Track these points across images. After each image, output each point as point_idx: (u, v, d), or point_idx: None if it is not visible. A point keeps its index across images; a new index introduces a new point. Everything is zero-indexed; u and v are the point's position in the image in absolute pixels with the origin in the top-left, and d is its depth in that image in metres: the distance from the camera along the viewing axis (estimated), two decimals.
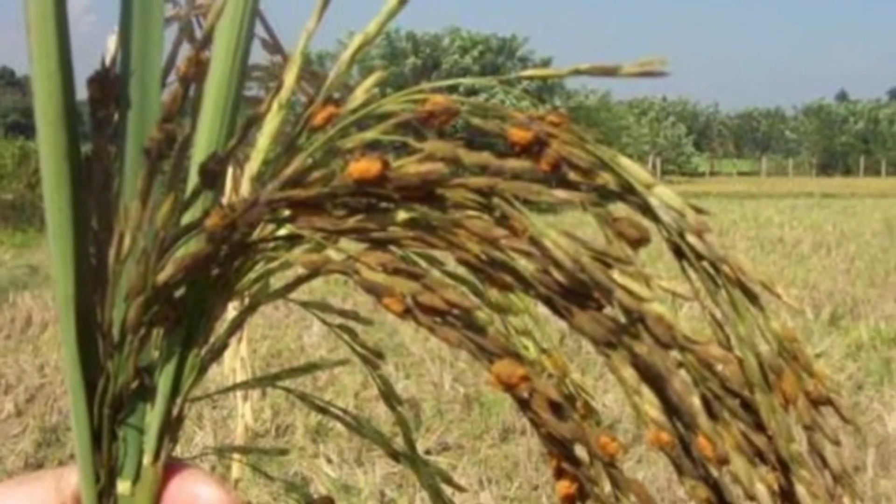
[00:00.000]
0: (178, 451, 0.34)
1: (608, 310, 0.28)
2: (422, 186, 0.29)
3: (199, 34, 0.33)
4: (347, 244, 0.30)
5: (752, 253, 9.42)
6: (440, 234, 0.29)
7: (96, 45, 0.38)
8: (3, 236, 10.15)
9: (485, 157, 0.29)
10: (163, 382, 0.32)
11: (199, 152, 0.32)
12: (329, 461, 3.43)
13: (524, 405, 0.28)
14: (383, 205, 0.30)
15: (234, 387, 0.51)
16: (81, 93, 0.32)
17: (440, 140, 0.29)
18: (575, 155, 0.28)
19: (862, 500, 0.27)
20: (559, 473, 0.30)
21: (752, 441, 0.27)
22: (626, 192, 0.28)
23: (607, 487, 0.29)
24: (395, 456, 0.41)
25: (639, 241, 0.28)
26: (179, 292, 0.32)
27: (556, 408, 0.28)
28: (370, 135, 0.30)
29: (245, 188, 0.32)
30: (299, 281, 0.35)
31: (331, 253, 0.30)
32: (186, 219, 0.31)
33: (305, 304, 0.40)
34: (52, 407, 3.93)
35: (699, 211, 0.28)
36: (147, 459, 0.33)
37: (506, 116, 0.29)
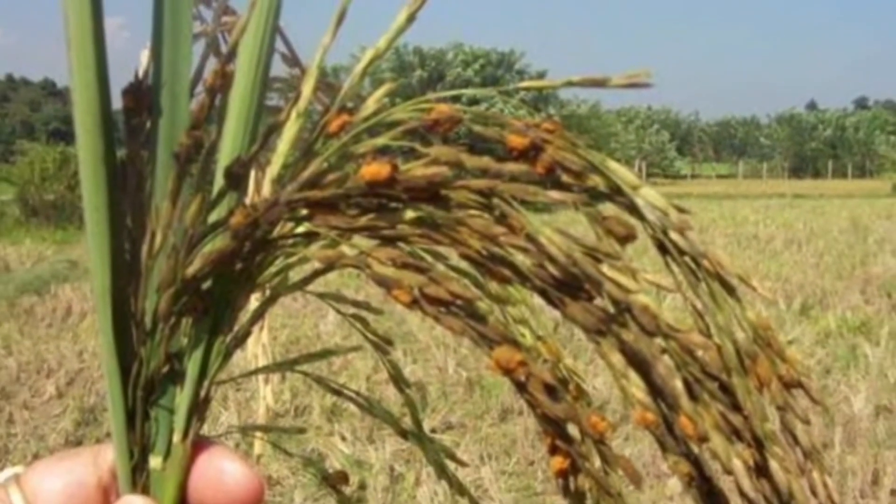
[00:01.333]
0: (206, 429, 0.34)
1: (598, 301, 0.28)
2: (428, 188, 0.29)
3: (224, 49, 0.32)
4: (360, 241, 0.30)
5: (730, 249, 9.41)
6: (444, 232, 0.29)
7: (130, 59, 0.38)
8: (45, 233, 10.16)
9: (485, 161, 0.29)
10: (191, 367, 0.33)
11: (225, 157, 0.32)
12: (343, 439, 3.43)
13: (521, 388, 0.28)
14: (392, 205, 0.30)
15: (256, 371, 0.51)
16: (117, 102, 0.32)
17: (445, 146, 0.29)
18: (568, 159, 0.28)
19: (829, 474, 0.27)
20: (553, 450, 0.30)
21: (730, 420, 0.27)
22: (615, 193, 0.28)
23: (597, 463, 0.29)
24: (403, 434, 0.41)
25: (626, 238, 0.28)
26: (206, 284, 0.32)
27: (550, 390, 0.28)
28: (381, 141, 0.30)
29: (266, 189, 0.32)
30: (316, 274, 0.35)
31: (345, 249, 0.30)
32: (213, 217, 0.31)
33: (321, 296, 0.39)
34: (90, 389, 3.93)
35: (681, 210, 0.28)
36: (177, 437, 0.33)
37: (504, 124, 0.29)
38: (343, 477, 0.40)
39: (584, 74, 0.30)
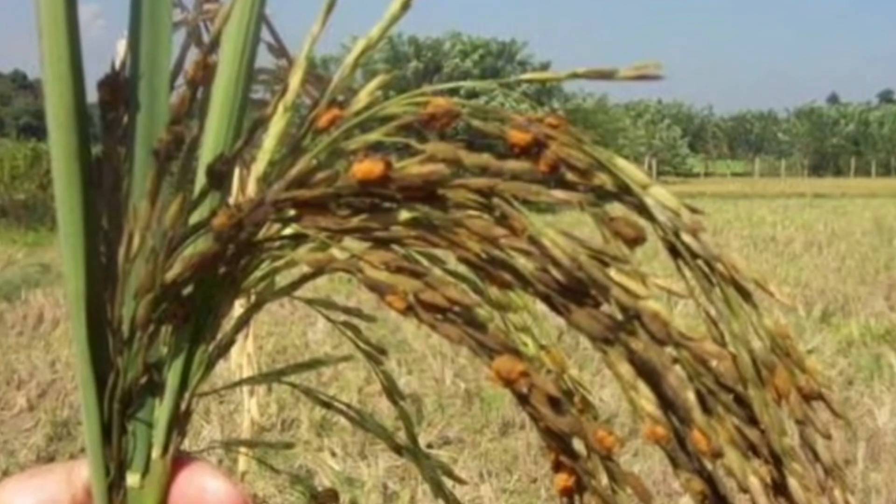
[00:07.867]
0: (186, 444, 0.34)
1: (605, 307, 0.28)
2: (424, 187, 0.29)
3: (206, 39, 0.33)
4: (351, 243, 0.30)
5: (746, 251, 9.42)
6: (441, 234, 0.29)
7: (106, 50, 0.38)
8: (15, 235, 10.16)
9: (485, 158, 0.29)
10: (171, 378, 0.32)
11: (207, 154, 0.32)
12: (333, 454, 3.43)
13: (523, 400, 0.28)
14: (386, 205, 0.30)
15: (241, 382, 0.51)
16: (92, 95, 0.32)
17: (442, 142, 0.29)
18: (573, 156, 0.28)
19: (852, 492, 0.27)
20: (557, 466, 0.30)
21: (746, 435, 0.27)
22: (623, 192, 0.28)
23: (604, 480, 0.29)
24: (397, 449, 0.41)
25: (635, 240, 0.28)
26: (187, 290, 0.32)
27: (554, 403, 0.28)
28: (373, 137, 0.30)
29: (251, 189, 0.32)
30: (304, 279, 0.35)
31: (335, 252, 0.30)
32: (194, 218, 0.31)
33: (310, 302, 0.40)
34: (63, 402, 3.93)
35: (694, 211, 0.28)
36: (156, 453, 0.33)
37: (505, 119, 0.29)
38: (333, 495, 0.40)
39: (589, 66, 0.30)
